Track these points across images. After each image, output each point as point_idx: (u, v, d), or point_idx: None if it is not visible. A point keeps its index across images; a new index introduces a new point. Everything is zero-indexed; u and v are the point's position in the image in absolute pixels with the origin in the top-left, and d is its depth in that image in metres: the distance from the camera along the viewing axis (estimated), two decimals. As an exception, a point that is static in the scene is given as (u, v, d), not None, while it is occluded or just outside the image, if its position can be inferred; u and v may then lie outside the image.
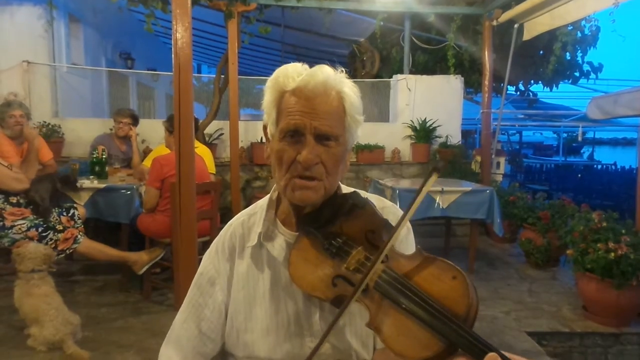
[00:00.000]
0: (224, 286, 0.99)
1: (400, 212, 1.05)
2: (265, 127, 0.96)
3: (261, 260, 0.98)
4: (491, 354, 0.64)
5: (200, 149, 3.91)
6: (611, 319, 3.17)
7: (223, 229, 1.05)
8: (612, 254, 2.99)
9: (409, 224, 1.01)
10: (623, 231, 3.11)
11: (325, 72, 0.89)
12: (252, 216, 1.03)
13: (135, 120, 4.59)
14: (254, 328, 0.95)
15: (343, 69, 0.95)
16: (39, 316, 2.64)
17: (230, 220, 1.06)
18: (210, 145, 5.07)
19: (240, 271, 0.99)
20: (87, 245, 3.28)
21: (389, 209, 1.04)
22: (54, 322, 2.62)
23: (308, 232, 0.91)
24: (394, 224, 0.92)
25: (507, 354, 0.66)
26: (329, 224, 0.90)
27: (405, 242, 1.00)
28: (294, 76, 0.88)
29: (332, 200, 0.92)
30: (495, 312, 3.42)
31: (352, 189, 0.98)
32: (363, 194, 0.96)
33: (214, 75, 5.44)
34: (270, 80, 0.91)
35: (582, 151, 25.67)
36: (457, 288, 0.73)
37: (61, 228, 3.21)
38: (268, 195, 1.02)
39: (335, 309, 0.84)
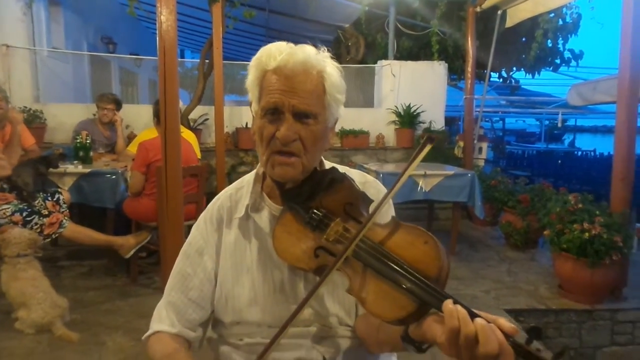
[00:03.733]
0: (213, 255, 1.03)
1: (381, 187, 1.11)
2: (250, 104, 1.00)
3: (248, 231, 1.03)
4: (447, 300, 0.70)
5: (186, 134, 3.92)
6: (585, 296, 3.30)
7: (211, 202, 1.10)
8: (587, 234, 3.10)
9: (390, 202, 1.07)
10: (597, 212, 3.23)
11: (306, 52, 0.92)
12: (240, 190, 1.07)
13: (118, 106, 4.56)
14: (242, 295, 1.00)
15: (326, 48, 0.98)
16: (26, 300, 2.65)
17: (218, 194, 1.10)
18: (195, 131, 5.06)
19: (228, 241, 1.03)
20: (73, 230, 3.28)
21: (370, 184, 1.09)
22: (42, 305, 2.63)
23: (290, 208, 0.96)
24: (375, 198, 0.98)
25: (477, 312, 0.71)
26: (310, 199, 0.94)
27: (385, 213, 1.05)
28: (276, 55, 0.91)
29: (312, 176, 0.96)
30: (475, 292, 3.53)
31: (331, 164, 1.02)
32: (342, 169, 1.01)
33: (198, 61, 5.40)
34: (254, 59, 0.95)
35: (563, 138, 26.11)
36: (429, 252, 0.79)
37: (46, 213, 3.21)
38: (254, 170, 1.07)
39: (318, 278, 0.89)
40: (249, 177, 1.07)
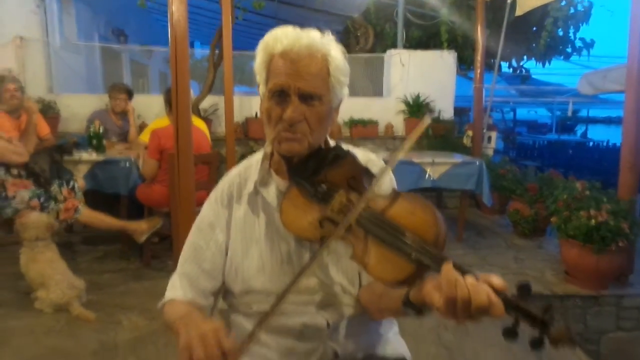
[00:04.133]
0: (224, 229, 1.10)
1: (383, 164, 1.16)
2: (258, 87, 1.05)
3: (257, 206, 1.09)
4: (447, 263, 0.76)
5: (197, 123, 3.99)
6: (591, 282, 3.32)
7: (221, 180, 1.16)
8: (593, 221, 3.13)
9: (391, 174, 1.12)
10: (604, 199, 3.24)
11: (310, 36, 0.97)
12: (248, 168, 1.13)
13: (130, 95, 4.65)
14: (251, 265, 1.06)
15: (331, 32, 1.03)
16: (45, 280, 2.76)
17: (228, 172, 1.16)
18: (206, 121, 5.14)
19: (237, 216, 1.09)
20: (88, 215, 3.38)
21: (373, 162, 1.14)
22: (60, 285, 2.74)
23: (297, 183, 1.01)
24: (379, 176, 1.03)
25: (469, 270, 0.77)
26: (315, 174, 1.00)
27: (387, 186, 1.10)
28: (282, 39, 0.96)
29: (317, 152, 1.02)
30: (482, 278, 3.57)
31: (334, 142, 1.08)
32: (345, 147, 1.07)
33: (207, 52, 5.47)
34: (261, 43, 1.00)
35: (575, 129, 25.81)
36: (427, 219, 0.84)
37: (62, 199, 3.31)
38: (262, 149, 1.12)
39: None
40: (258, 155, 1.13)
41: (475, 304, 0.72)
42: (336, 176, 0.98)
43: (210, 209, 1.13)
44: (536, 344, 0.71)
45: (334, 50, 1.00)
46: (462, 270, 0.75)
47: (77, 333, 2.55)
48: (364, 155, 1.15)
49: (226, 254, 1.10)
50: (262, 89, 1.02)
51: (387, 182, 1.07)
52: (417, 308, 0.85)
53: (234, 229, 1.09)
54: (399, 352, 1.14)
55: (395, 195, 0.91)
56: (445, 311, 0.75)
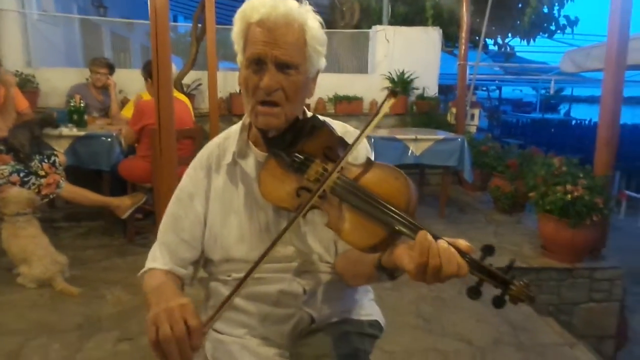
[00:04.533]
0: (202, 199, 1.11)
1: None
2: (236, 56, 1.05)
3: (235, 176, 1.10)
4: (422, 231, 0.79)
5: (180, 98, 3.95)
6: (566, 255, 3.43)
7: (200, 151, 1.17)
8: (569, 196, 3.21)
9: (366, 142, 1.14)
10: (581, 175, 3.33)
11: (287, 5, 0.97)
12: (227, 139, 1.14)
13: (111, 70, 4.56)
14: (230, 233, 1.08)
15: (308, 1, 1.03)
16: (27, 256, 2.75)
17: (207, 143, 1.17)
18: (189, 96, 5.08)
19: (216, 186, 1.11)
20: (70, 190, 3.35)
21: (350, 133, 1.16)
22: (43, 261, 2.74)
23: (274, 154, 1.03)
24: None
25: (439, 236, 0.80)
26: (292, 145, 1.01)
27: (361, 156, 1.12)
28: (259, 8, 0.96)
29: (294, 124, 1.03)
30: (461, 252, 3.66)
31: (311, 113, 1.09)
32: (323, 118, 1.08)
33: (190, 26, 5.36)
34: (239, 12, 1.00)
35: (559, 108, 26.08)
36: (399, 186, 0.87)
37: (43, 174, 3.27)
38: (241, 120, 1.13)
39: (301, 217, 0.97)
40: (236, 127, 1.14)
41: (445, 270, 0.76)
42: (312, 146, 1.00)
43: (190, 179, 1.14)
44: (498, 302, 0.76)
45: (311, 20, 1.00)
46: (434, 236, 0.79)
47: (60, 308, 2.57)
48: (341, 127, 1.16)
49: (205, 224, 1.12)
50: (239, 58, 1.03)
51: (363, 152, 1.09)
52: (389, 272, 0.88)
53: (212, 199, 1.11)
54: (373, 316, 1.18)
55: (368, 163, 0.94)
56: (415, 274, 0.79)
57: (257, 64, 0.97)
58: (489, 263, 0.77)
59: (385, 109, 0.95)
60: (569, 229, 3.28)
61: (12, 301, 2.62)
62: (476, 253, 0.79)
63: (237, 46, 1.02)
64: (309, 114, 1.10)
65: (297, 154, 1.00)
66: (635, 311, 4.16)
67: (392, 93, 0.94)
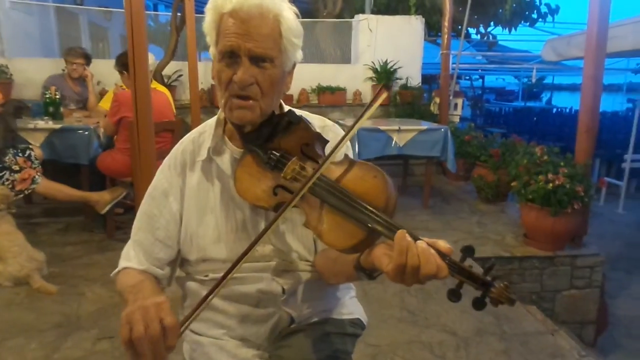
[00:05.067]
0: (177, 197, 1.07)
1: (340, 130, 1.15)
2: (209, 48, 1.01)
3: (211, 173, 1.06)
4: (400, 230, 0.76)
5: (160, 89, 3.87)
6: (548, 244, 3.47)
7: (175, 146, 1.13)
8: (551, 185, 3.24)
9: (348, 143, 1.11)
10: (562, 164, 3.35)
11: None
12: (202, 134, 1.10)
13: (88, 60, 4.43)
14: (206, 233, 1.05)
15: None
16: (1, 253, 2.68)
17: (182, 139, 1.13)
18: (169, 87, 4.98)
19: (191, 183, 1.07)
20: (46, 186, 3.26)
21: (329, 128, 1.13)
22: (18, 258, 2.67)
23: (250, 150, 0.99)
24: (333, 140, 1.02)
25: (419, 237, 0.78)
26: (268, 141, 0.98)
27: (339, 153, 1.09)
28: None
29: (270, 119, 0.99)
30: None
31: (288, 108, 1.06)
32: (300, 112, 1.05)
33: (170, 14, 5.24)
34: (210, 2, 0.95)
35: (541, 96, 26.38)
36: (377, 185, 0.84)
37: (17, 169, 3.17)
38: (217, 115, 1.09)
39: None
40: (211, 121, 1.10)
41: (424, 271, 0.74)
42: (289, 143, 0.97)
43: (164, 176, 1.10)
44: (478, 304, 0.74)
45: (286, 11, 0.96)
46: (413, 237, 0.76)
47: (38, 306, 2.50)
48: (320, 121, 1.13)
49: (180, 222, 1.08)
50: (212, 50, 0.98)
51: (342, 149, 1.06)
52: (367, 272, 0.86)
53: (187, 197, 1.07)
54: (355, 315, 1.16)
55: (346, 162, 0.91)
56: (393, 276, 0.77)
57: (230, 57, 0.93)
58: (469, 264, 0.75)
59: (376, 105, 0.92)
60: (551, 217, 3.31)
61: (-13, 300, 2.55)
62: (456, 254, 0.77)
63: (209, 38, 0.98)
64: (286, 108, 1.07)
65: (273, 151, 0.97)
66: (615, 296, 4.24)
67: (386, 87, 0.91)
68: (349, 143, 1.09)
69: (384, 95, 0.93)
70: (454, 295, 0.75)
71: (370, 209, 0.82)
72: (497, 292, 0.73)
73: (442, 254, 0.75)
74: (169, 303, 0.83)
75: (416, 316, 2.57)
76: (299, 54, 1.02)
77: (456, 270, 0.75)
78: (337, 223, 0.84)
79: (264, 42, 0.92)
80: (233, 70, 0.93)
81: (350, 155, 1.00)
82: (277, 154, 0.96)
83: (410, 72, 6.07)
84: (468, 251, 0.75)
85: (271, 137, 0.98)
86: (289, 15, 0.96)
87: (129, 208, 3.73)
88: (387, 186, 0.84)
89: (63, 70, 4.56)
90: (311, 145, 0.96)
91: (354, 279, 0.97)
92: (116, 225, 3.55)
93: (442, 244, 0.76)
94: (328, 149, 0.97)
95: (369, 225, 0.81)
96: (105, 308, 2.50)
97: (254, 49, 0.91)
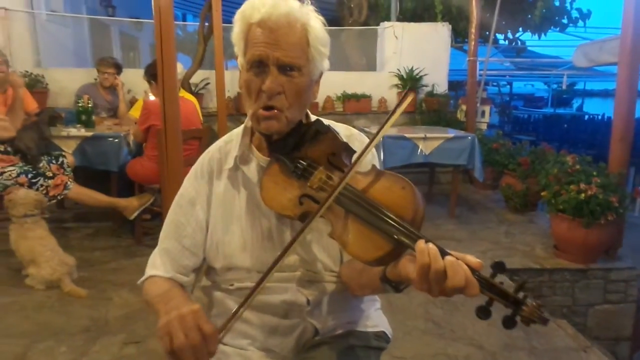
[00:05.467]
0: (204, 205, 1.08)
1: (366, 139, 1.14)
2: (237, 58, 1.02)
3: (237, 182, 1.07)
4: (420, 241, 0.75)
5: (188, 98, 3.94)
6: (579, 256, 3.36)
7: (202, 155, 1.14)
8: (583, 195, 3.14)
9: (374, 150, 1.10)
10: (595, 173, 3.25)
11: (289, 5, 0.93)
12: (229, 143, 1.11)
13: (119, 70, 4.56)
14: (232, 241, 1.05)
15: (310, 1, 0.99)
16: (35, 257, 2.75)
17: (209, 147, 1.14)
18: (197, 95, 5.07)
19: (218, 191, 1.07)
20: (78, 192, 3.36)
21: (354, 137, 1.12)
22: (50, 262, 2.74)
23: (277, 159, 0.99)
24: (359, 149, 1.01)
25: (447, 251, 0.76)
26: (295, 150, 0.98)
27: (366, 162, 1.08)
28: (259, 8, 0.92)
29: (297, 128, 0.99)
30: (472, 252, 3.46)
31: (316, 117, 1.05)
32: (326, 122, 1.04)
33: (198, 24, 5.34)
34: (238, 13, 0.96)
35: (571, 103, 25.75)
36: (405, 196, 0.83)
37: (51, 175, 3.27)
38: (243, 124, 1.10)
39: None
40: (238, 130, 1.10)
41: (452, 283, 0.72)
42: (316, 152, 0.97)
43: (190, 185, 1.11)
44: (508, 323, 0.71)
45: (314, 20, 0.96)
46: (442, 252, 0.74)
47: (68, 310, 2.56)
48: (345, 130, 1.13)
49: (207, 230, 1.08)
50: (240, 60, 0.99)
51: (368, 158, 1.05)
52: (394, 284, 0.84)
53: (214, 205, 1.08)
54: (380, 327, 1.14)
55: (373, 172, 0.90)
56: (418, 281, 0.75)
57: (258, 66, 0.93)
58: (499, 281, 0.73)
59: (401, 110, 0.91)
60: (583, 228, 3.21)
61: (19, 302, 2.63)
62: (486, 269, 0.74)
63: (237, 48, 0.98)
64: (313, 117, 1.06)
65: (300, 160, 0.97)
66: (652, 312, 4.06)
67: (411, 90, 0.89)
68: (374, 152, 1.09)
69: (410, 97, 0.91)
70: (484, 312, 0.73)
71: (398, 220, 0.80)
72: (529, 310, 0.70)
73: (471, 269, 0.73)
74: (203, 310, 0.85)
75: (442, 328, 2.52)
76: (326, 63, 1.02)
77: (486, 287, 0.72)
78: (363, 234, 0.83)
79: (292, 51, 0.93)
80: (261, 80, 0.93)
81: (377, 165, 0.99)
82: (304, 163, 0.96)
83: (437, 79, 6.01)
84: (499, 267, 0.73)
85: (298, 146, 0.98)
86: (316, 24, 0.97)
87: (156, 214, 3.79)
88: (415, 198, 0.82)
89: (95, 79, 4.69)
90: (338, 155, 0.95)
91: (380, 292, 0.95)
92: (143, 231, 3.61)
93: (472, 259, 0.74)
94: (355, 158, 0.96)
95: (396, 237, 0.79)
96: (132, 313, 2.53)
97: (282, 58, 0.92)
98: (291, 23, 0.93)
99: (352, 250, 0.84)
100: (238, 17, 0.96)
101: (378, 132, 0.92)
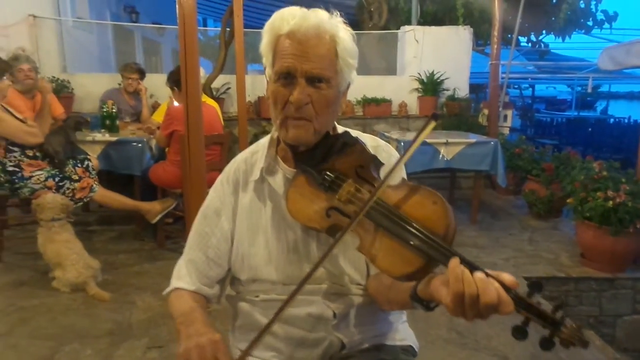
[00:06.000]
0: (229, 216, 1.08)
1: (393, 151, 1.13)
2: (265, 69, 1.02)
3: (263, 193, 1.07)
4: (454, 257, 0.73)
5: (209, 103, 3.98)
6: (607, 265, 3.27)
7: (227, 165, 1.14)
8: (610, 202, 3.06)
9: (402, 165, 1.09)
10: (623, 180, 3.16)
11: (318, 16, 0.93)
12: (255, 154, 1.11)
13: (142, 75, 4.63)
14: (257, 253, 1.05)
15: (339, 13, 0.99)
16: (61, 260, 2.81)
17: (235, 157, 1.14)
18: (218, 100, 5.11)
19: (244, 203, 1.08)
20: (103, 194, 3.41)
21: (381, 148, 1.11)
22: (76, 265, 2.79)
23: (304, 170, 0.99)
24: (386, 161, 1.00)
25: (479, 267, 0.74)
26: (322, 162, 0.97)
27: (395, 175, 1.07)
28: (289, 19, 0.92)
29: (324, 139, 0.99)
30: (495, 259, 3.55)
31: (344, 129, 1.05)
32: (354, 133, 1.03)
33: (220, 29, 5.40)
34: (267, 24, 0.96)
35: (595, 105, 25.19)
36: (437, 211, 0.81)
37: (77, 178, 3.34)
38: (269, 134, 1.10)
39: (330, 237, 0.93)
40: (264, 141, 1.10)
41: (483, 300, 0.70)
42: (344, 165, 0.96)
43: (216, 195, 1.11)
44: (546, 345, 0.69)
45: (342, 32, 0.96)
46: (472, 266, 0.73)
47: (92, 313, 2.60)
48: (372, 141, 1.12)
49: (232, 241, 1.09)
50: (268, 71, 0.99)
51: (398, 171, 1.04)
52: (424, 303, 0.83)
53: (240, 216, 1.08)
54: (407, 341, 1.13)
55: (404, 186, 0.88)
56: (453, 308, 0.73)
57: (286, 77, 0.93)
58: (537, 301, 0.71)
59: (427, 133, 0.89)
60: (610, 236, 3.13)
61: (46, 304, 2.68)
62: (521, 286, 0.73)
63: (266, 59, 0.99)
64: (340, 129, 1.06)
65: (327, 172, 0.96)
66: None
67: (434, 116, 0.87)
68: (403, 167, 1.07)
69: (432, 125, 0.89)
70: (520, 333, 0.71)
71: (430, 236, 0.79)
72: (568, 332, 0.68)
73: (506, 288, 0.71)
74: (223, 341, 0.87)
75: (465, 338, 2.48)
76: (354, 75, 1.01)
77: (522, 306, 0.70)
78: (393, 249, 0.82)
79: (321, 63, 0.92)
80: (289, 91, 0.93)
81: (405, 178, 0.98)
82: (332, 175, 0.95)
83: (458, 83, 5.95)
84: (536, 287, 0.71)
85: (325, 158, 0.97)
86: (345, 35, 0.96)
87: (178, 218, 3.84)
88: (448, 213, 0.80)
89: (119, 84, 4.78)
90: (367, 168, 0.94)
91: (408, 308, 0.94)
92: (166, 234, 3.65)
93: (507, 277, 0.72)
94: (383, 171, 0.95)
95: (427, 252, 0.78)
96: (155, 317, 2.56)
97: (311, 70, 0.92)
98: (320, 35, 0.93)
99: (381, 265, 0.83)
100: (267, 28, 0.96)
101: (405, 153, 0.90)
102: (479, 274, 0.72)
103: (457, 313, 0.73)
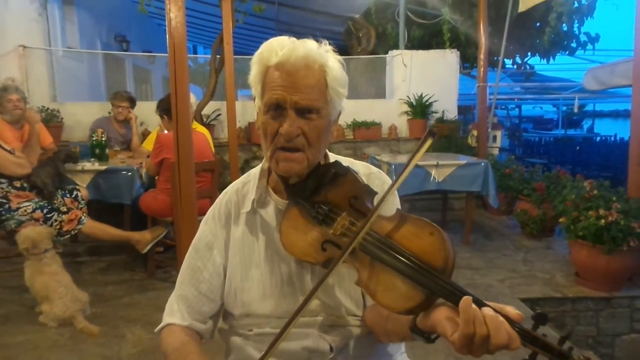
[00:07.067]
0: (222, 250, 1.06)
1: (386, 178, 1.11)
2: (254, 100, 1.01)
3: (255, 226, 1.04)
4: (466, 297, 0.71)
5: (200, 130, 3.97)
6: (602, 283, 3.26)
7: (218, 197, 1.12)
8: (603, 221, 3.06)
9: (396, 192, 1.07)
10: (614, 198, 3.18)
11: (307, 47, 0.92)
12: (246, 184, 1.09)
13: (132, 103, 4.63)
14: (251, 288, 1.02)
15: (328, 42, 0.99)
16: (49, 293, 2.73)
17: (225, 189, 1.12)
18: (208, 126, 5.12)
19: (236, 236, 1.05)
20: (91, 226, 3.36)
21: (375, 175, 1.10)
22: (64, 299, 2.72)
23: (296, 202, 0.97)
24: (379, 189, 0.99)
25: (485, 302, 0.73)
26: (315, 194, 0.95)
27: (390, 205, 1.06)
28: (277, 50, 0.92)
29: (315, 170, 0.97)
30: (490, 281, 3.52)
31: (335, 157, 1.03)
32: (346, 161, 1.02)
33: (210, 56, 5.44)
34: (256, 55, 0.95)
35: (582, 124, 25.63)
36: (435, 243, 0.79)
37: (65, 209, 3.29)
38: (260, 165, 1.08)
39: (325, 270, 0.91)
40: (255, 171, 1.09)
41: (495, 342, 0.68)
42: (337, 196, 0.94)
43: (208, 228, 1.09)
44: (554, 377, 0.67)
45: (332, 61, 0.95)
46: (478, 303, 0.71)
47: (80, 348, 2.52)
48: (364, 168, 1.10)
49: (224, 275, 1.06)
50: (257, 102, 0.98)
51: (391, 200, 1.02)
52: (425, 335, 0.80)
53: (232, 249, 1.05)
54: (406, 374, 1.09)
55: (400, 216, 0.86)
56: (460, 347, 0.71)
57: (275, 109, 0.92)
58: (542, 333, 0.69)
59: (423, 151, 0.88)
60: (604, 255, 3.12)
61: (32, 341, 2.59)
62: (527, 322, 0.71)
63: (255, 90, 0.98)
64: (332, 157, 1.04)
65: (321, 204, 0.94)
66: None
67: (431, 133, 0.86)
68: (396, 193, 1.06)
69: (429, 142, 0.88)
70: None
71: (428, 269, 0.77)
72: (576, 365, 0.66)
73: (511, 322, 0.69)
74: None
75: (464, 363, 2.43)
76: (344, 103, 1.00)
77: (528, 340, 0.69)
78: (392, 283, 0.80)
79: (310, 94, 0.91)
80: (279, 123, 0.92)
81: (398, 206, 0.96)
82: (325, 208, 0.93)
83: (446, 106, 6.02)
84: (541, 319, 0.69)
85: (318, 190, 0.96)
86: (335, 64, 0.96)
87: (169, 247, 3.78)
88: (446, 244, 0.78)
89: (109, 112, 4.77)
90: (360, 199, 0.93)
91: (408, 340, 0.91)
92: (156, 264, 3.59)
93: (511, 311, 0.71)
94: (377, 200, 0.94)
95: (428, 287, 0.76)
96: (146, 351, 2.48)
97: (300, 102, 0.91)
98: (309, 65, 0.92)
99: (380, 300, 0.81)
100: (256, 59, 0.96)
101: (399, 177, 0.89)
102: (488, 312, 0.70)
103: (463, 352, 0.71)
